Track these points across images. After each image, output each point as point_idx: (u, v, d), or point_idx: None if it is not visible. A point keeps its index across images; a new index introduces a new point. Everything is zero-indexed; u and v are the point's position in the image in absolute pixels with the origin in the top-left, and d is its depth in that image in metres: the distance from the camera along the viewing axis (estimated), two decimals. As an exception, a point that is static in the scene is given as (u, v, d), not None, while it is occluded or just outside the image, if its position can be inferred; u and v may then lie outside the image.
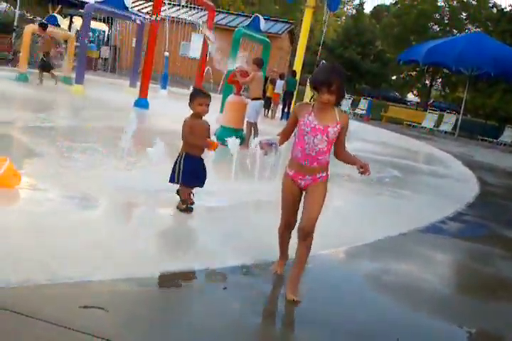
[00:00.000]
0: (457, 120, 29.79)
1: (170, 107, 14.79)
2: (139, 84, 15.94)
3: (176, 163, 5.51)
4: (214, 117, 11.19)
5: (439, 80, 48.08)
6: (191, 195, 5.65)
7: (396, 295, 4.49)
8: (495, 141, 28.48)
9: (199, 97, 5.37)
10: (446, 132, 29.56)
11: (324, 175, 4.00)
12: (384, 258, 5.54)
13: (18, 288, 3.31)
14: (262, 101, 12.15)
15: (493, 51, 27.11)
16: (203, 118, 5.57)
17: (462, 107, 30.44)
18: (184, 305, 3.66)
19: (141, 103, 14.91)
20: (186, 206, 5.57)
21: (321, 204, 3.97)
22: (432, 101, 47.19)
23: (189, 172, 5.45)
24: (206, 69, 18.91)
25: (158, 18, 14.79)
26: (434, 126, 30.17)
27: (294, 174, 4.01)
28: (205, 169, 5.63)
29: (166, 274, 3.99)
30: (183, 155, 5.47)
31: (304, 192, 4.07)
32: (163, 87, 21.65)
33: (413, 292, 4.64)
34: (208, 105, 5.43)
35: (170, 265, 4.16)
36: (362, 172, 3.91)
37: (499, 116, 35.63)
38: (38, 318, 2.95)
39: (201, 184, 5.64)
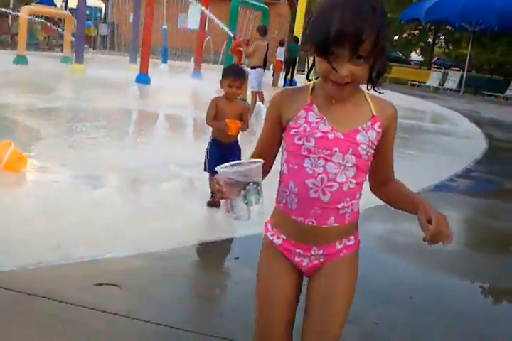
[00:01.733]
0: (462, 77, 29.49)
1: (171, 81, 14.76)
2: (139, 59, 15.86)
3: (206, 149, 4.94)
4: (216, 87, 11.15)
5: (442, 37, 47.40)
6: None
7: (409, 255, 4.52)
8: (501, 95, 28.21)
9: (227, 78, 4.69)
10: (451, 90, 29.29)
11: (353, 242, 1.91)
12: (394, 220, 5.55)
13: (32, 270, 3.36)
14: (262, 69, 12.08)
15: (496, 4, 26.61)
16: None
17: (466, 63, 30.08)
18: (198, 277, 3.71)
19: (142, 78, 14.82)
20: (211, 199, 5.00)
21: (348, 308, 1.92)
22: (436, 59, 46.62)
23: (214, 161, 4.61)
24: (206, 39, 18.79)
25: None
26: (439, 84, 29.88)
27: (286, 243, 1.90)
28: (235, 157, 4.63)
29: (177, 248, 4.02)
30: (210, 141, 4.90)
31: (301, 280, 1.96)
32: (164, 60, 21.52)
33: (425, 251, 4.64)
34: (240, 87, 4.75)
35: (179, 238, 4.19)
36: (431, 240, 1.77)
37: (504, 70, 35.33)
38: (54, 298, 3.00)
39: None
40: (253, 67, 11.50)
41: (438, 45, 50.24)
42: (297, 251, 1.88)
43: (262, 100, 11.44)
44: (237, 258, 3.96)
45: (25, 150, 5.76)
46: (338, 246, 1.87)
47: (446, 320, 3.34)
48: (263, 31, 11.76)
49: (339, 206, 1.80)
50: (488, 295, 4.13)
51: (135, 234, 4.15)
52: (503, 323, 3.51)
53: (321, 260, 1.87)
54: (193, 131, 6.99)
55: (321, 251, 1.86)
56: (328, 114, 1.75)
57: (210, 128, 4.97)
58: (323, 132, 1.74)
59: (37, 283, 3.18)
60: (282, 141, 1.89)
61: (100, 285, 3.22)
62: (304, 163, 1.77)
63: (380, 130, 1.79)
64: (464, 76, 29.47)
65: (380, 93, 1.83)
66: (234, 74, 4.72)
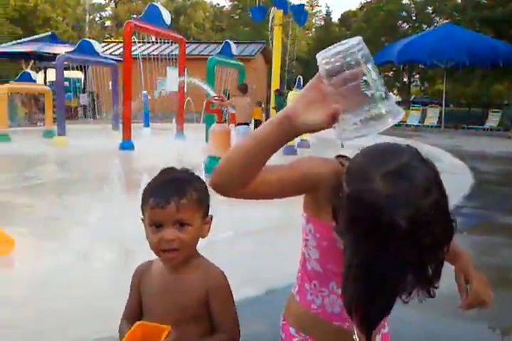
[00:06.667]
0: (441, 112, 29.91)
1: (155, 145, 14.83)
2: (121, 126, 15.97)
3: None
4: (200, 148, 11.24)
5: (417, 76, 48.37)
6: None
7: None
8: (481, 127, 28.58)
9: (146, 205, 1.79)
10: (432, 126, 29.63)
11: (387, 329, 1.73)
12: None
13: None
14: (248, 126, 12.24)
15: (464, 40, 27.40)
16: None
17: (444, 99, 30.60)
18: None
19: (126, 145, 14.87)
20: None
21: None
22: (413, 97, 47.39)
23: None
24: (186, 100, 19.03)
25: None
26: (419, 122, 30.24)
27: None
28: None
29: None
30: None
31: None
32: (146, 124, 21.71)
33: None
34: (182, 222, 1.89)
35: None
36: (468, 308, 1.66)
37: (481, 102, 35.98)
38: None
39: None
40: (238, 124, 11.70)
41: (414, 84, 51.22)
42: None
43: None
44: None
45: (13, 230, 5.62)
46: None
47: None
48: (244, 89, 12.06)
49: None
50: (494, 337, 4.06)
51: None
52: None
53: None
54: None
55: None
56: None
57: None
58: None
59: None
60: (309, 234, 1.50)
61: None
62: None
63: None
64: (443, 111, 29.90)
65: None
66: (155, 194, 1.75)
